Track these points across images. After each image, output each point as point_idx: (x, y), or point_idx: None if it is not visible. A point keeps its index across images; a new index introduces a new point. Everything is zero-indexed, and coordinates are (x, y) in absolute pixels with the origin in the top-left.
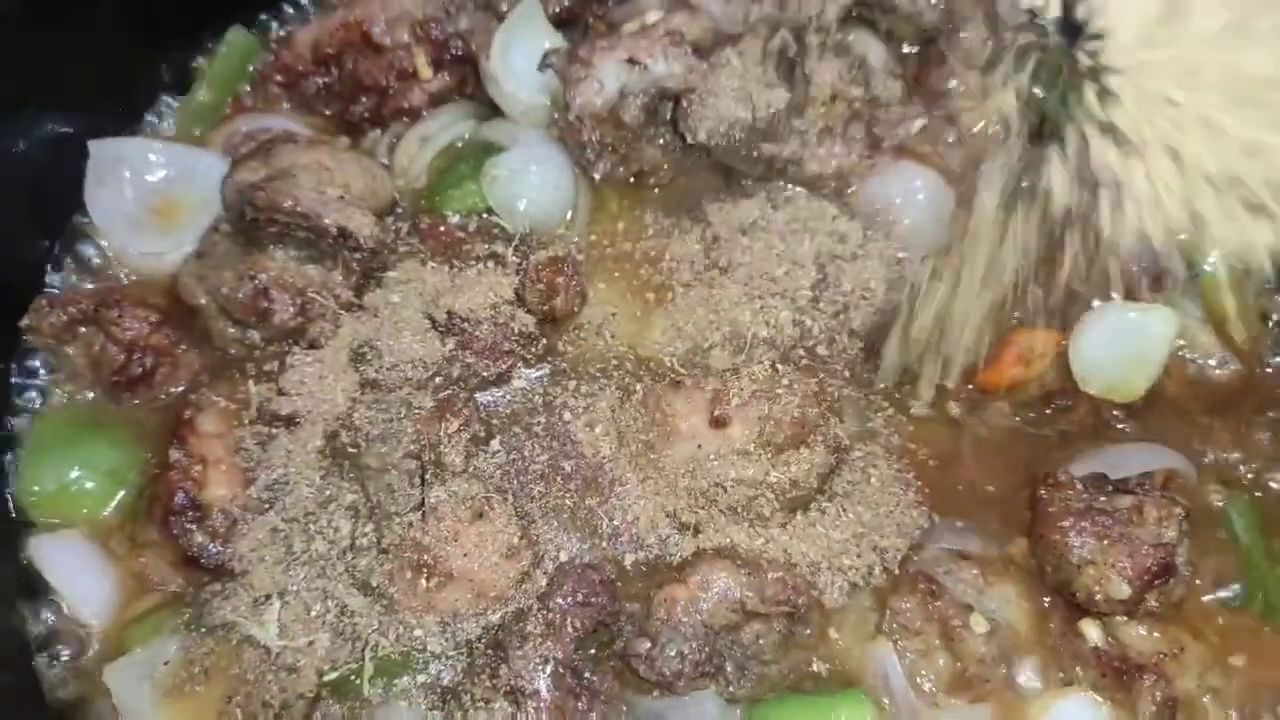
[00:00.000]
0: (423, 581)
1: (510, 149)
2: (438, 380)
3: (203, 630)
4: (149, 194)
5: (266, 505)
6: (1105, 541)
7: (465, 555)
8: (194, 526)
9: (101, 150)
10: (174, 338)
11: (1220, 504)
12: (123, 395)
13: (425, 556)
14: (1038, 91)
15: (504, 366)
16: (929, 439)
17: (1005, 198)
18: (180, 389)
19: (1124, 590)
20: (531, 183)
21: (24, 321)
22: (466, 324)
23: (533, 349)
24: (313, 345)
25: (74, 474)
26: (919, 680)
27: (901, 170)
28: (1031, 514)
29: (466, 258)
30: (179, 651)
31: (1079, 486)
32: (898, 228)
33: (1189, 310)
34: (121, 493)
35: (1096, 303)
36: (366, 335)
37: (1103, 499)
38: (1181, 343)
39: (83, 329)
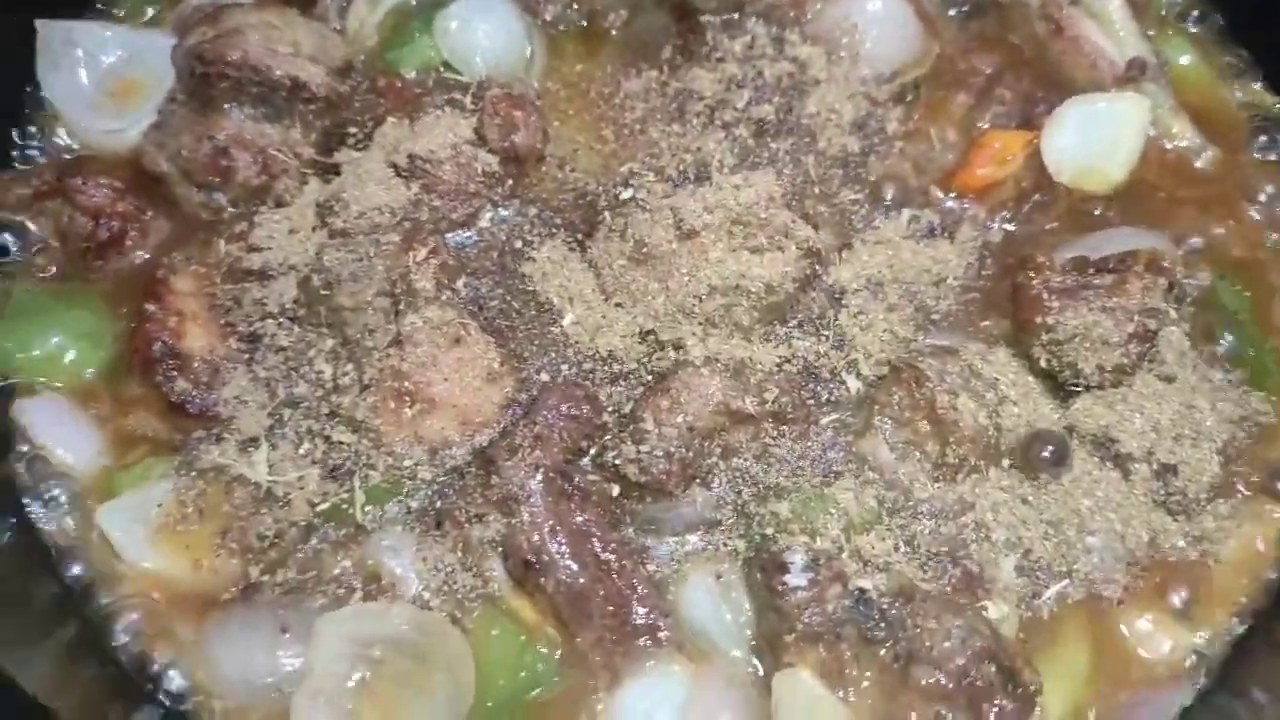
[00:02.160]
0: (406, 410)
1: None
2: (406, 225)
3: (193, 474)
4: (104, 76)
5: (246, 355)
6: (1089, 314)
7: (446, 380)
8: (176, 374)
9: (51, 32)
10: (140, 205)
11: (1207, 281)
12: (93, 263)
13: (406, 384)
14: None
15: (471, 208)
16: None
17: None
18: (149, 255)
19: (1113, 357)
20: (484, 30)
21: None
22: (429, 165)
23: (499, 189)
24: (279, 204)
25: (54, 340)
26: (911, 465)
27: None
28: (1014, 302)
29: (426, 109)
30: (170, 494)
31: (1059, 268)
32: (862, 50)
33: (1161, 100)
34: (101, 354)
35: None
36: (332, 190)
37: (1084, 278)
38: (1154, 132)
39: (49, 203)
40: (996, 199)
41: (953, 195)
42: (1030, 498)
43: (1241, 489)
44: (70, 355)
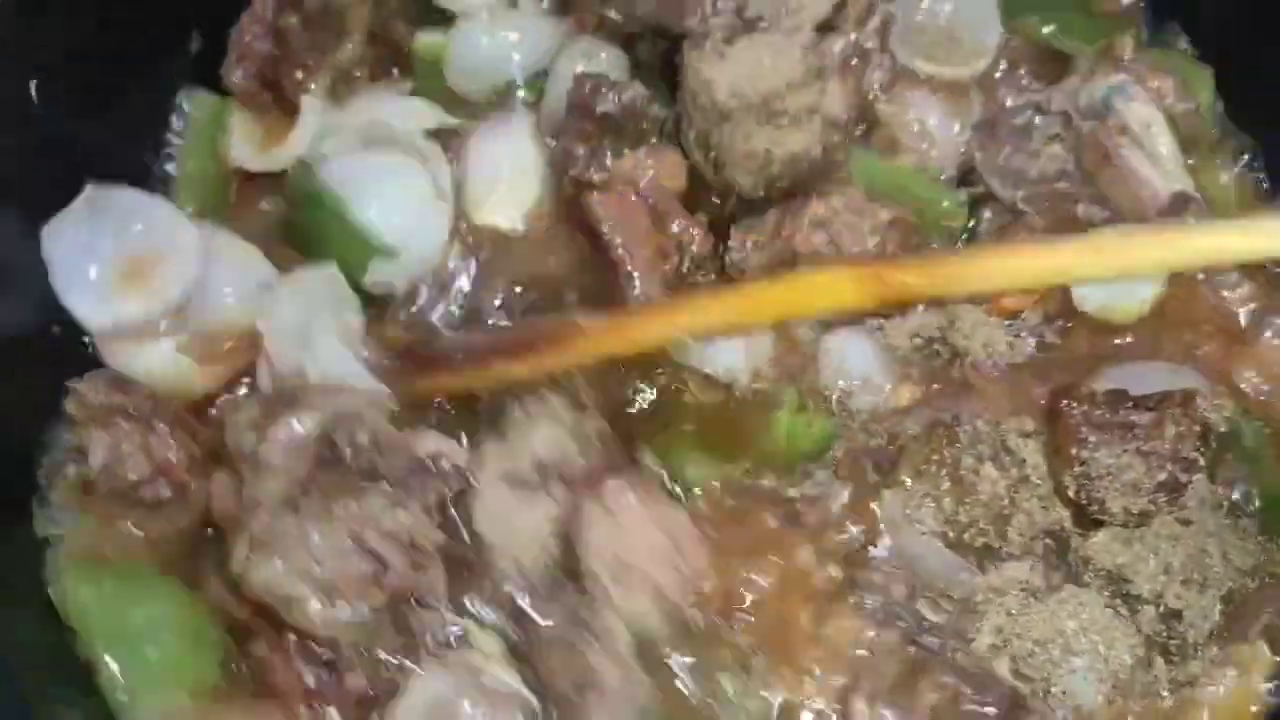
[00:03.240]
0: None
1: None
2: None
3: None
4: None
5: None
6: (1125, 454)
7: None
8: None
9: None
10: (197, 479)
11: (1229, 421)
12: (113, 507)
13: None
14: None
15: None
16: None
17: None
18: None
19: (1140, 502)
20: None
21: (75, 384)
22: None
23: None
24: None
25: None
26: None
27: None
28: (1050, 426)
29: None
30: None
31: (1100, 400)
32: None
33: None
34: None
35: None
36: None
37: (1122, 414)
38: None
39: (123, 423)
40: (1020, 327)
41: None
42: (1013, 610)
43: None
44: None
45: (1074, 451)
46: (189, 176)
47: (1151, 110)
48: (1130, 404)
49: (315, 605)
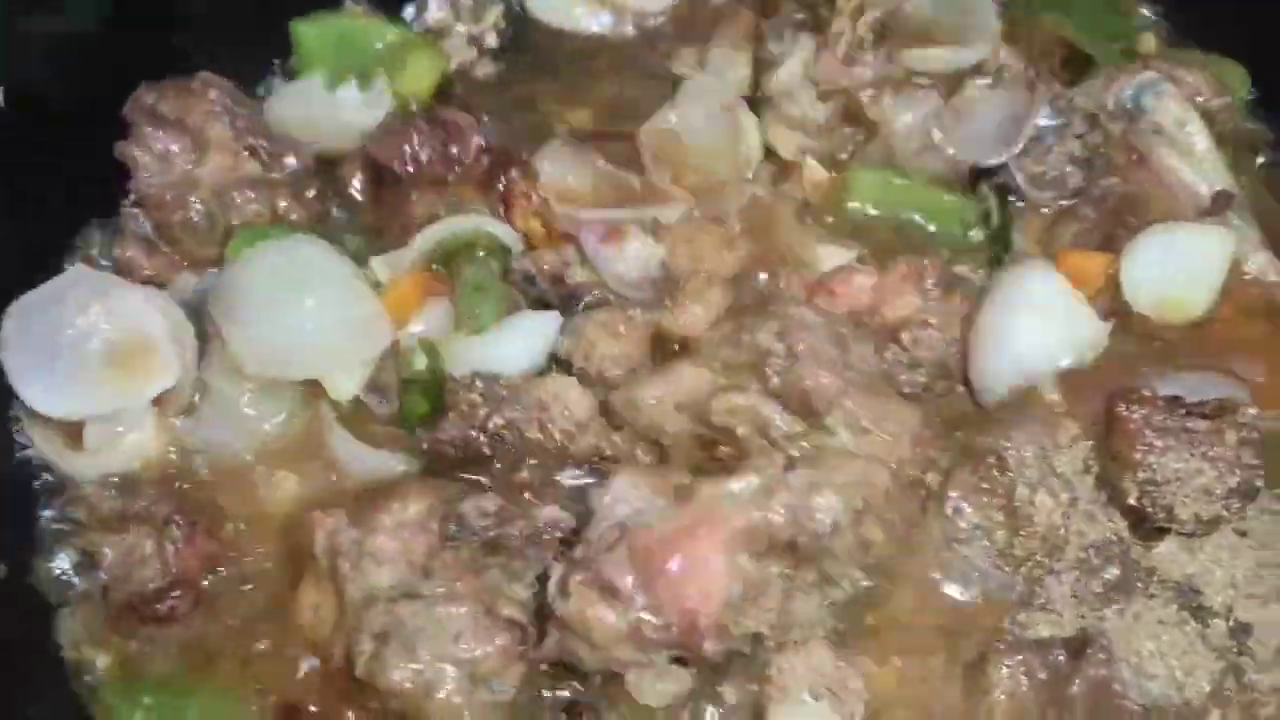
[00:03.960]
0: None
1: None
2: None
3: None
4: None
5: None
6: (1192, 459)
7: None
8: None
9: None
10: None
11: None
12: (123, 618)
13: None
14: None
15: None
16: None
17: None
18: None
19: (1213, 509)
20: None
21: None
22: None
23: None
24: None
25: None
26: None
27: None
28: (1108, 430)
29: None
30: None
31: (1159, 405)
32: None
33: (1244, 232)
34: None
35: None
36: None
37: (1179, 419)
38: (1250, 269)
39: (135, 527)
40: None
41: None
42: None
43: None
44: None
45: (1137, 456)
46: None
47: (1185, 108)
48: (1184, 410)
49: (460, 688)
